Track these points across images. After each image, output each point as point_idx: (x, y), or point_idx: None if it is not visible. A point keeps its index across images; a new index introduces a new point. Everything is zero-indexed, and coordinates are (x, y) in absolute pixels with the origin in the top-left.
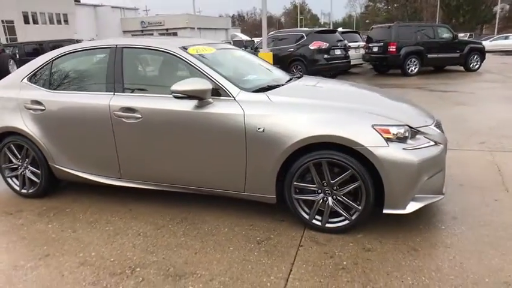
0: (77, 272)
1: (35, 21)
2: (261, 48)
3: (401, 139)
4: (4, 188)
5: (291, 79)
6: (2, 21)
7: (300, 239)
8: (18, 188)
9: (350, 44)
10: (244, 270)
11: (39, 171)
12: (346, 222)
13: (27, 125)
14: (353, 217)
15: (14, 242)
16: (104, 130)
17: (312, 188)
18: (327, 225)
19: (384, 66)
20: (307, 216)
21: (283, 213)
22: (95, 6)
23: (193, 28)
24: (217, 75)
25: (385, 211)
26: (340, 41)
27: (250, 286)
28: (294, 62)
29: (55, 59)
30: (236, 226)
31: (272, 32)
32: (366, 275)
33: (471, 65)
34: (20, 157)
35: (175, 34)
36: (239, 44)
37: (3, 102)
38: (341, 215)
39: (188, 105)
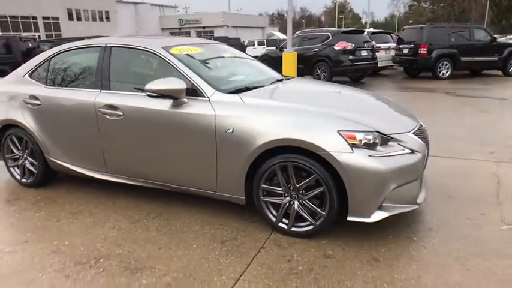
0: (47, 258)
1: (79, 18)
2: (286, 48)
3: (369, 145)
4: (8, 178)
5: (279, 80)
6: (48, 17)
7: (264, 241)
8: (19, 178)
9: (380, 45)
10: (199, 268)
11: (36, 163)
12: (311, 227)
13: (25, 118)
14: (317, 222)
15: (2, 227)
16: (91, 126)
17: (278, 191)
18: (293, 229)
19: (415, 69)
20: (274, 219)
21: (256, 214)
22: (136, 3)
23: (229, 26)
24: (194, 75)
25: (349, 218)
26: (367, 41)
27: (200, 284)
28: (318, 63)
29: (53, 56)
30: (207, 225)
31: (298, 32)
32: (317, 281)
33: (510, 70)
34: (20, 148)
35: (211, 32)
36: (273, 42)
37: (6, 96)
38: (306, 220)
39: (165, 105)
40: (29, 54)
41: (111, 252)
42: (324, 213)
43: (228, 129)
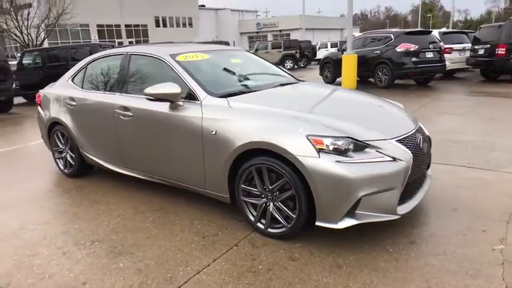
0: (55, 238)
1: (164, 25)
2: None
3: (339, 151)
4: (56, 168)
5: (282, 84)
6: (138, 25)
7: (241, 239)
8: (62, 168)
9: (453, 45)
10: (171, 258)
11: (74, 156)
12: (284, 229)
13: (65, 117)
14: (289, 225)
15: (36, 208)
16: (110, 124)
17: (255, 192)
18: (269, 229)
19: (492, 72)
20: (253, 219)
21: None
22: (217, 10)
23: (302, 28)
24: (191, 80)
25: (317, 223)
26: (434, 42)
27: (166, 272)
28: (379, 65)
29: (90, 63)
30: (197, 220)
31: (361, 34)
32: (269, 281)
33: None
34: (63, 143)
35: (288, 35)
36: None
37: (55, 98)
38: (280, 222)
39: (165, 107)
40: None
41: (106, 237)
42: (294, 216)
43: (212, 131)
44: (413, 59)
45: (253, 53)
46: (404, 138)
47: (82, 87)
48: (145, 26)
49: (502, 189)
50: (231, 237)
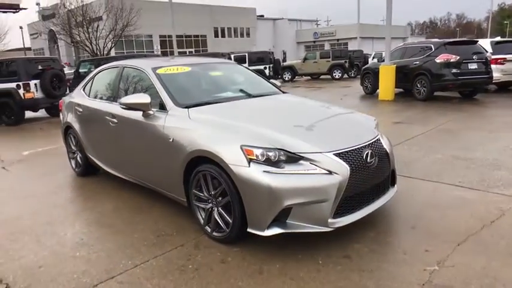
0: (38, 227)
1: (223, 35)
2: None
3: (270, 162)
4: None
5: (255, 96)
6: (198, 36)
7: (189, 241)
8: (74, 167)
9: (506, 56)
10: (122, 252)
11: (81, 156)
12: (224, 233)
13: (75, 122)
14: (228, 229)
15: (34, 201)
16: (103, 129)
17: (203, 197)
18: (214, 233)
19: None
20: (202, 222)
21: None
22: (274, 20)
23: (365, 37)
24: (163, 91)
25: (248, 230)
26: (479, 53)
27: (110, 263)
28: (418, 77)
29: (97, 73)
30: (162, 220)
31: (401, 44)
32: (190, 280)
33: None
34: (74, 144)
35: (345, 44)
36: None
37: (69, 105)
38: (221, 226)
39: (139, 115)
40: None
41: (79, 230)
42: (231, 221)
43: (170, 139)
44: (454, 70)
45: (271, 65)
46: (344, 152)
47: (88, 96)
48: (205, 36)
49: (476, 210)
50: (182, 238)
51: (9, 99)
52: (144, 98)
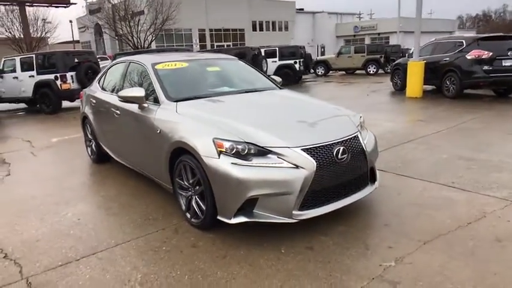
0: (47, 204)
1: (261, 29)
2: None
3: (239, 154)
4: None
5: (248, 91)
6: (236, 29)
7: (171, 225)
8: (90, 154)
9: None
10: (109, 232)
11: (95, 144)
12: (199, 220)
13: (89, 112)
14: (203, 217)
15: (52, 183)
16: (109, 120)
17: (184, 186)
18: (192, 219)
19: None
20: (184, 208)
21: None
22: (314, 13)
23: (408, 32)
24: (157, 85)
25: (218, 217)
26: None
27: (96, 241)
28: (447, 74)
29: (110, 67)
30: (152, 205)
31: (433, 39)
32: (159, 260)
33: None
34: (90, 133)
35: (387, 39)
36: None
37: (87, 96)
38: (198, 213)
39: (136, 107)
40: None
41: (79, 210)
42: (204, 209)
43: (157, 130)
44: (486, 67)
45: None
46: (312, 147)
47: (101, 89)
48: (243, 30)
49: (457, 211)
50: (165, 222)
51: (48, 89)
52: (138, 92)
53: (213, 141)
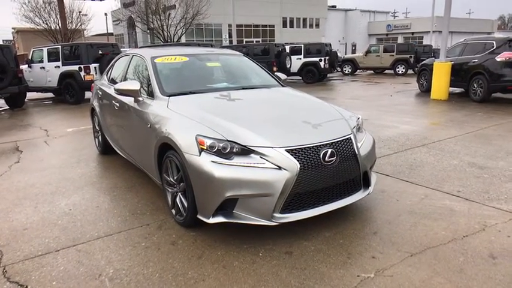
0: (45, 191)
1: (291, 26)
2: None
3: (220, 153)
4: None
5: (245, 88)
6: (266, 26)
7: (156, 221)
8: (97, 145)
9: None
10: (95, 224)
11: (101, 135)
12: (183, 218)
13: (96, 104)
14: (185, 214)
15: (58, 170)
16: (111, 112)
17: (171, 182)
18: (177, 216)
19: None
20: (170, 205)
21: None
22: (346, 10)
23: (430, 32)
24: (153, 79)
25: (198, 216)
26: None
27: (81, 231)
28: (475, 76)
29: (116, 60)
30: (144, 200)
31: (462, 40)
32: (136, 256)
33: None
34: (97, 124)
35: (420, 38)
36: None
37: (95, 89)
38: (181, 210)
39: (132, 100)
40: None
41: (78, 201)
42: (186, 206)
43: (147, 124)
44: None
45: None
46: (297, 149)
47: (107, 81)
48: (273, 26)
49: (455, 222)
50: (151, 218)
51: (72, 80)
52: (133, 85)
53: (196, 138)
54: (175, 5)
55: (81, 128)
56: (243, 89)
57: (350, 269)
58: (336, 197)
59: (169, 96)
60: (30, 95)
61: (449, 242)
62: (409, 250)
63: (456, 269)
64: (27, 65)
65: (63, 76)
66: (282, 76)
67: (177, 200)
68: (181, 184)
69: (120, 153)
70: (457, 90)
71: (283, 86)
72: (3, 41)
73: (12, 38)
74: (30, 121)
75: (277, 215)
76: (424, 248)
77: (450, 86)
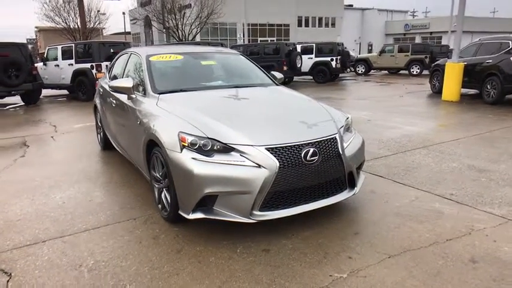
0: (46, 184)
1: (306, 25)
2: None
3: (201, 150)
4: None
5: (238, 86)
6: (281, 25)
7: (143, 216)
8: (99, 141)
9: None
10: (84, 216)
11: (102, 131)
12: (167, 213)
13: (98, 101)
14: (169, 210)
15: (58, 166)
16: (109, 108)
17: (157, 178)
18: (163, 211)
19: None
20: (156, 200)
21: None
22: (363, 9)
23: (448, 31)
24: (146, 77)
25: (179, 212)
26: None
27: (70, 223)
28: (488, 77)
29: (117, 58)
30: (134, 195)
31: (477, 39)
32: (117, 249)
33: None
34: (99, 121)
35: (439, 38)
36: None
37: (98, 86)
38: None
39: (125, 98)
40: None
41: (73, 194)
42: (169, 202)
43: (137, 121)
44: None
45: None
46: (277, 147)
47: (109, 79)
48: (288, 25)
49: (442, 225)
50: (139, 213)
51: (85, 77)
52: (127, 83)
53: (178, 135)
54: (190, 4)
55: (88, 124)
56: (236, 87)
57: (324, 268)
58: (318, 197)
59: (160, 93)
60: (45, 92)
61: (431, 245)
62: (387, 252)
63: (433, 272)
64: (42, 63)
65: (76, 73)
66: (278, 75)
67: (162, 195)
68: (166, 180)
69: (118, 149)
70: (471, 91)
71: (277, 84)
72: (26, 39)
73: (35, 37)
74: (41, 117)
75: (256, 212)
76: (403, 250)
77: (463, 87)
